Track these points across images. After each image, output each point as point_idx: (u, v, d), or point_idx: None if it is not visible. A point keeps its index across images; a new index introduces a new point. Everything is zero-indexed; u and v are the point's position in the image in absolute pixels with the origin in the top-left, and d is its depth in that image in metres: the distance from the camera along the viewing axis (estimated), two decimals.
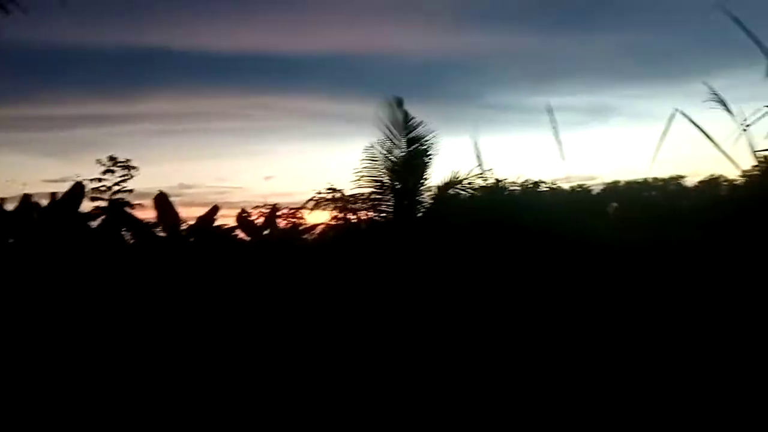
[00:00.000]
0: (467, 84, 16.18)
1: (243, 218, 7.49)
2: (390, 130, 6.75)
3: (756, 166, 5.22)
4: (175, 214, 6.87)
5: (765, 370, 3.44)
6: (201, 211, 7.32)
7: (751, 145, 4.02)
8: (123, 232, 6.88)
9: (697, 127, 3.83)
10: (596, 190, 10.04)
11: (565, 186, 9.31)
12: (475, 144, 6.12)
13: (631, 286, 4.84)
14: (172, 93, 15.20)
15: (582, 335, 4.27)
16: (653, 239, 5.76)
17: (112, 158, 6.66)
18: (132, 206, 6.77)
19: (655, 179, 10.85)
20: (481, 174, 6.65)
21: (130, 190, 6.73)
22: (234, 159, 17.12)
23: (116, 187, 6.67)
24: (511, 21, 14.99)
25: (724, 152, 3.83)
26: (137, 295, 5.72)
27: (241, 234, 7.64)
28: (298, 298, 5.72)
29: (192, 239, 7.10)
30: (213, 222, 7.24)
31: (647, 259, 5.18)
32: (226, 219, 7.61)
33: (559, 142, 4.65)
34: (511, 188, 7.62)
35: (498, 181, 7.27)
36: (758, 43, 3.74)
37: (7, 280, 5.52)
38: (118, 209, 6.57)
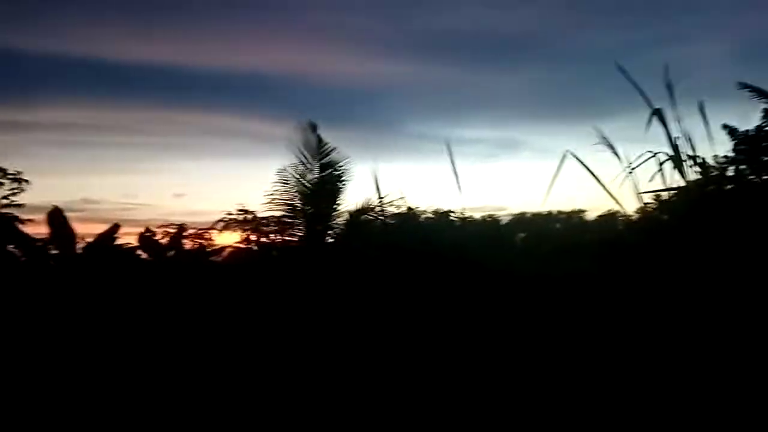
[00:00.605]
0: (384, 112, 16.31)
1: (146, 237, 7.16)
2: (303, 154, 6.70)
3: (647, 203, 5.59)
4: (71, 231, 6.49)
5: (666, 397, 3.57)
6: (104, 228, 6.97)
7: (635, 187, 4.29)
8: (12, 249, 6.43)
9: (586, 167, 4.06)
10: (505, 220, 10.45)
11: (476, 216, 9.63)
12: (374, 172, 6.21)
13: (543, 312, 4.99)
14: (71, 102, 14.12)
15: (492, 361, 4.33)
16: (558, 269, 6.00)
17: (0, 169, 6.22)
18: (22, 221, 6.33)
19: (559, 212, 11.47)
20: (392, 201, 6.73)
21: (21, 204, 6.29)
22: (142, 175, 16.13)
23: (5, 201, 6.22)
24: (432, 52, 15.36)
25: (609, 192, 4.08)
26: (22, 314, 5.35)
27: (144, 254, 7.32)
28: (200, 321, 5.52)
29: (89, 258, 6.72)
30: (113, 240, 6.89)
31: (553, 288, 5.38)
32: (133, 237, 7.28)
33: (457, 175, 4.93)
34: (423, 216, 7.76)
35: (410, 208, 7.38)
36: (641, 92, 4.04)
37: None
38: (5, 224, 6.12)
